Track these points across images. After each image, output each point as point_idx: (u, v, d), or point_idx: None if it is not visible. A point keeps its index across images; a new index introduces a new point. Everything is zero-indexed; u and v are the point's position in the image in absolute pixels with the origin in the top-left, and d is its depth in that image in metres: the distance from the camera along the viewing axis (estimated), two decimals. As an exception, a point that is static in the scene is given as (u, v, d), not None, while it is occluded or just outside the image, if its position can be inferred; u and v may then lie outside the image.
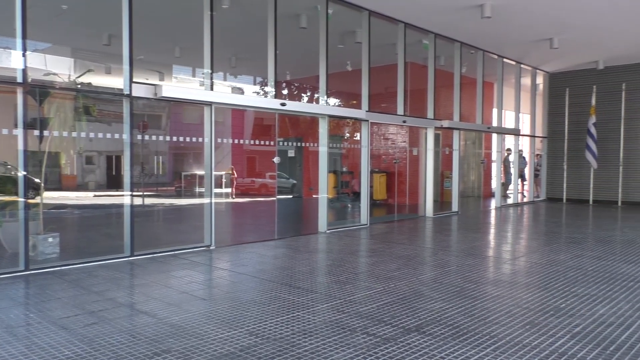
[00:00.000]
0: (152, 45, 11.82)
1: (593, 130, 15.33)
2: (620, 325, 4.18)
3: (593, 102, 15.48)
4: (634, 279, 5.84)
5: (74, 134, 7.95)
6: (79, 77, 8.54)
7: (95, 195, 17.66)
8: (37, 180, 7.17)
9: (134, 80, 6.94)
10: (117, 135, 6.90)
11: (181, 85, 11.99)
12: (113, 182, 17.84)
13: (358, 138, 10.99)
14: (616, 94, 15.55)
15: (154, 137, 16.57)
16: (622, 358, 3.50)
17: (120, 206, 7.12)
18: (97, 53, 12.26)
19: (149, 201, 14.75)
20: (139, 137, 11.28)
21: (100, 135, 6.97)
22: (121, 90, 6.95)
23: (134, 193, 7.07)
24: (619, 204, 15.45)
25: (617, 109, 15.51)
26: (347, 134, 15.35)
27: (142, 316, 4.39)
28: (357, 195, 11.59)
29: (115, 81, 7.25)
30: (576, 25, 11.25)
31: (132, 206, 6.98)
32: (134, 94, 6.94)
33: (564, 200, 16.58)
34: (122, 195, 7.09)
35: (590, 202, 15.95)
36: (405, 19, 11.00)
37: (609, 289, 5.38)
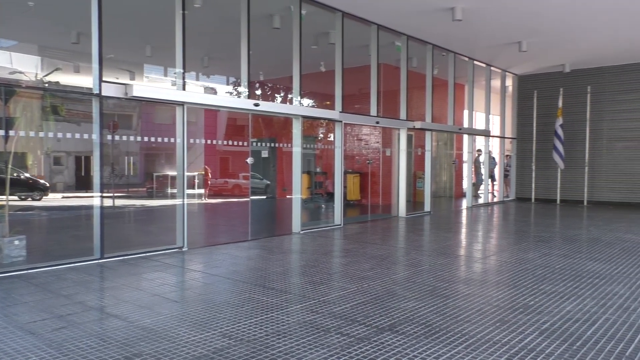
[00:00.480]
0: (122, 44, 11.62)
1: (560, 131, 15.74)
2: (586, 322, 4.30)
3: (560, 104, 15.89)
4: (599, 276, 6.02)
5: (42, 134, 7.77)
6: (46, 75, 8.35)
7: (63, 197, 17.24)
8: (42, 181, 7.05)
9: (104, 79, 6.82)
10: (86, 136, 6.76)
11: (152, 85, 11.81)
12: (82, 183, 17.45)
13: (332, 139, 11.03)
14: (582, 96, 16.00)
15: (124, 138, 16.28)
16: (588, 353, 3.60)
17: (90, 208, 6.98)
18: (65, 51, 11.98)
19: (119, 202, 14.48)
20: (109, 137, 11.06)
21: (68, 135, 6.81)
22: (90, 89, 6.81)
23: (104, 194, 6.94)
24: (585, 203, 15.89)
25: (583, 111, 15.96)
26: (321, 135, 15.38)
27: (113, 319, 4.32)
28: (330, 195, 11.63)
29: (85, 80, 7.10)
30: (543, 30, 11.54)
31: (102, 207, 6.85)
32: (103, 93, 6.82)
33: (533, 200, 16.96)
34: (92, 197, 6.95)
35: (558, 201, 16.37)
36: (378, 20, 11.10)
37: (576, 286, 5.53)
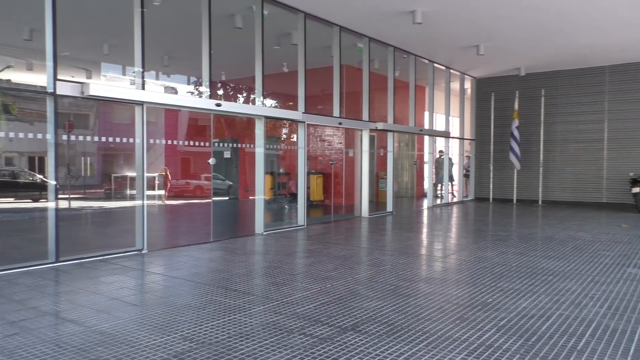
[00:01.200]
0: (78, 41, 11.28)
1: (516, 133, 16.23)
2: (540, 317, 4.45)
3: (516, 106, 16.39)
4: (552, 273, 6.24)
5: (-8, 134, 7.47)
6: (-4, 73, 8.02)
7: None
8: (53, 182, 6.74)
9: (59, 77, 6.61)
10: (40, 135, 6.53)
11: (110, 84, 11.52)
12: (36, 184, 16.85)
13: (295, 139, 11.02)
14: (536, 99, 16.54)
15: (81, 138, 15.82)
16: (543, 348, 3.73)
17: (45, 210, 6.74)
18: (17, 48, 11.54)
19: (76, 204, 14.05)
20: (65, 137, 10.72)
21: (21, 135, 6.56)
22: (44, 87, 6.58)
23: (60, 196, 6.72)
24: (540, 202, 16.43)
25: (537, 113, 16.51)
26: (284, 136, 15.36)
27: (69, 325, 4.18)
28: (294, 196, 11.62)
29: (38, 78, 6.86)
30: (499, 34, 11.87)
31: (57, 209, 6.63)
32: (58, 92, 6.60)
33: (491, 200, 17.42)
34: (46, 199, 6.72)
35: (514, 201, 16.86)
36: (340, 22, 11.16)
37: (531, 283, 5.72)
